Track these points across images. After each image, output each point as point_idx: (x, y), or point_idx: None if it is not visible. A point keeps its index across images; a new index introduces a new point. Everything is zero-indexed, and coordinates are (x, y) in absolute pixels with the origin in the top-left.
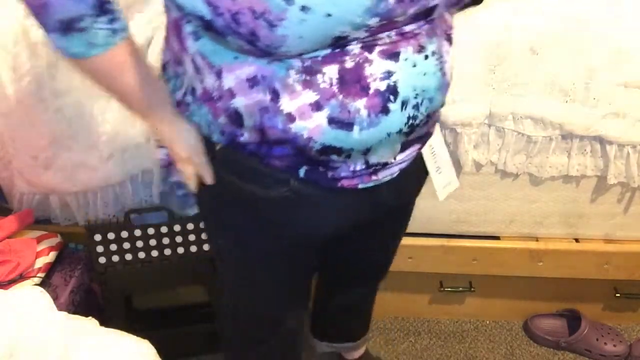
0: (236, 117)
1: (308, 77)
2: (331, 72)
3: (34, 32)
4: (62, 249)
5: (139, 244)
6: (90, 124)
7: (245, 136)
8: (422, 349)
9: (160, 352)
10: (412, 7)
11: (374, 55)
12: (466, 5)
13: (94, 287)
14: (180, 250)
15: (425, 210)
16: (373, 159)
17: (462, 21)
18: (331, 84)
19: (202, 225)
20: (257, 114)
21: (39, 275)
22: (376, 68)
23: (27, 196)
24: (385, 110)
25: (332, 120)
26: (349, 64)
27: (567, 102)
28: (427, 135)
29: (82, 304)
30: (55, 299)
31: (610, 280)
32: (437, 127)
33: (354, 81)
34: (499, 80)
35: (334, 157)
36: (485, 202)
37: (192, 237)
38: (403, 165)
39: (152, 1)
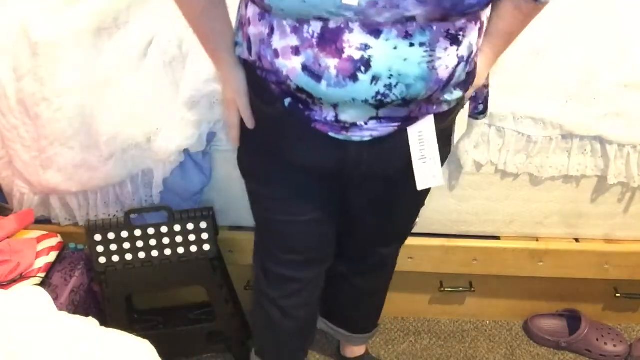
0: (249, 42)
1: (297, 25)
2: (315, 26)
3: (34, 31)
4: (62, 249)
5: (139, 244)
6: (90, 124)
7: (254, 58)
8: (422, 349)
9: (160, 352)
10: (385, 12)
11: (355, 25)
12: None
13: (94, 287)
14: (180, 250)
15: (425, 210)
16: (342, 116)
17: None
18: (312, 36)
19: (202, 225)
20: (258, 44)
21: (39, 275)
22: (355, 38)
23: (27, 196)
24: (353, 77)
25: (305, 67)
26: (332, 24)
27: (567, 102)
28: (410, 119)
29: (82, 304)
30: (55, 299)
31: (610, 280)
32: (431, 118)
33: (331, 41)
34: (499, 81)
35: (310, 100)
36: (485, 202)
37: (192, 237)
38: (375, 133)
39: (153, 1)
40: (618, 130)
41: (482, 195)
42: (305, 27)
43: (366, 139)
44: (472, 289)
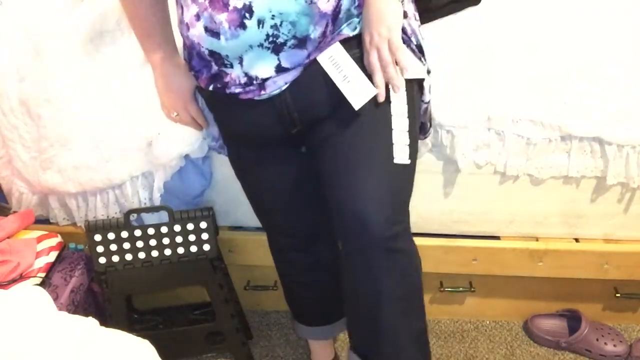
0: (179, 25)
1: None
2: None
3: (37, 33)
4: (62, 249)
5: (139, 244)
6: (91, 126)
7: (184, 45)
8: None
9: (160, 352)
10: None
11: None
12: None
13: (94, 287)
14: (180, 250)
15: (425, 211)
16: (251, 70)
17: (460, 24)
18: (204, 0)
19: (202, 225)
20: (180, 25)
21: (39, 275)
22: None
23: (26, 196)
24: (242, 26)
25: (206, 29)
26: None
27: (565, 103)
28: (312, 62)
29: (82, 304)
30: (55, 299)
31: (610, 280)
32: (337, 45)
33: None
34: (497, 83)
35: (223, 68)
36: (485, 202)
37: (192, 237)
38: (289, 78)
39: None
40: (617, 131)
41: (482, 195)
42: None
43: (284, 87)
44: (472, 289)
